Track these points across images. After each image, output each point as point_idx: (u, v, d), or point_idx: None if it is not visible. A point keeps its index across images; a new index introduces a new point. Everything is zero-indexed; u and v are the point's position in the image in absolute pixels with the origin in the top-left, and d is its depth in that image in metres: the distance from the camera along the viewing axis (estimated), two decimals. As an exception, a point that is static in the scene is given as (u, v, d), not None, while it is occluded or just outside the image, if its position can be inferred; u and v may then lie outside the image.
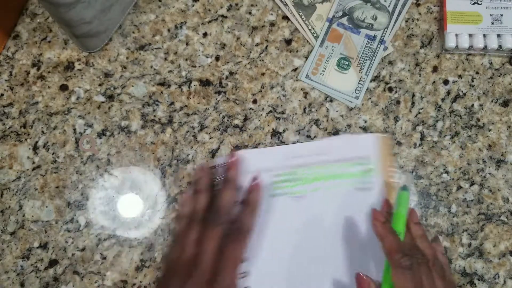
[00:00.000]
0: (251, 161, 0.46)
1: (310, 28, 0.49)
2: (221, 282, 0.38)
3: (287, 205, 0.45)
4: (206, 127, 0.48)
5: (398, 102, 0.49)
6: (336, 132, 0.48)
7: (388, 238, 0.39)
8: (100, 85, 0.49)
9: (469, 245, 0.46)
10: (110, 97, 0.49)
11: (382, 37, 0.49)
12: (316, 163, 0.46)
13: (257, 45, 0.50)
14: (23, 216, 0.46)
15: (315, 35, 0.49)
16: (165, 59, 0.49)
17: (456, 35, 0.49)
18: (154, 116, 0.48)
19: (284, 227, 0.44)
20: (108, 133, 0.48)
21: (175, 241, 0.42)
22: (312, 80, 0.48)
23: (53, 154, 0.47)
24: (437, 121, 0.48)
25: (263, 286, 0.43)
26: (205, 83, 0.49)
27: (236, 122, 0.48)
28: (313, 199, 0.45)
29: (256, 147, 0.48)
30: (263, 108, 0.49)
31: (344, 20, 0.50)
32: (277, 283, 0.43)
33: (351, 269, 0.43)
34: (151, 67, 0.49)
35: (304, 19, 0.49)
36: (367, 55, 0.49)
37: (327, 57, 0.49)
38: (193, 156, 0.47)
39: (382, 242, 0.40)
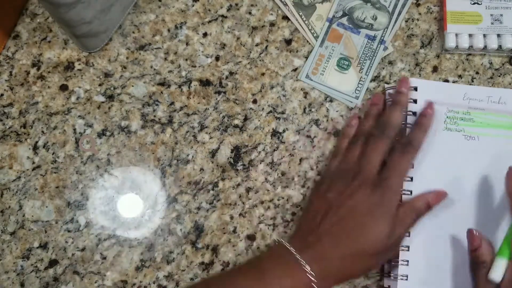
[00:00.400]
0: (427, 91, 0.47)
1: (310, 28, 0.49)
2: (386, 187, 0.39)
3: (458, 142, 0.46)
4: (206, 127, 0.48)
5: (398, 102, 0.49)
6: (336, 132, 0.48)
7: None
8: (100, 85, 0.49)
9: None
10: (110, 97, 0.49)
11: (382, 37, 0.49)
12: (493, 110, 0.47)
13: (257, 45, 0.50)
14: (23, 216, 0.46)
15: (315, 35, 0.49)
16: (165, 59, 0.49)
17: (456, 35, 0.49)
18: (154, 116, 0.48)
19: (450, 161, 0.45)
20: (108, 133, 0.48)
21: (336, 155, 0.44)
22: (312, 80, 0.48)
23: (53, 154, 0.47)
24: (437, 121, 0.48)
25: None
26: (205, 83, 0.49)
27: (236, 122, 0.48)
28: (483, 144, 0.46)
29: (256, 147, 0.48)
30: (263, 108, 0.49)
31: (344, 20, 0.50)
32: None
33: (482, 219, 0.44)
34: (151, 67, 0.49)
35: (304, 19, 0.49)
36: (367, 55, 0.49)
37: (327, 57, 0.49)
38: (193, 156, 0.47)
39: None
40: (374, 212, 0.39)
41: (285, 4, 0.50)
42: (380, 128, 0.43)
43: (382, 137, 0.42)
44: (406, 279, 0.42)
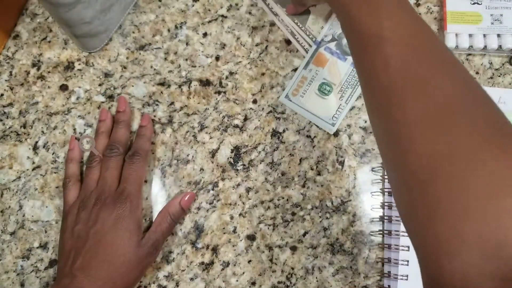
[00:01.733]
0: None
1: (308, 33, 0.48)
2: (125, 198, 0.41)
3: None
4: (206, 127, 0.48)
5: (398, 102, 0.49)
6: (336, 132, 0.48)
7: None
8: (100, 85, 0.49)
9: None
10: (110, 97, 0.49)
11: None
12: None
13: (257, 45, 0.50)
14: (23, 216, 0.46)
15: (314, 39, 0.49)
16: (165, 59, 0.49)
17: (456, 35, 0.49)
18: (154, 116, 0.48)
19: None
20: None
21: (67, 185, 0.44)
22: (291, 101, 0.48)
23: (53, 154, 0.47)
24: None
25: None
26: (205, 83, 0.49)
27: (236, 122, 0.48)
28: None
29: (256, 147, 0.48)
30: (263, 108, 0.49)
31: (332, 45, 0.48)
32: None
33: None
34: (151, 67, 0.49)
35: (300, 25, 0.48)
36: (350, 83, 0.48)
37: (309, 80, 0.48)
38: (193, 156, 0.47)
39: None
40: (118, 226, 0.40)
41: (276, 14, 0.50)
42: (110, 147, 0.44)
43: (113, 155, 0.44)
44: (406, 279, 0.42)
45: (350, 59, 0.48)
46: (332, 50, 0.48)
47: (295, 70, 0.49)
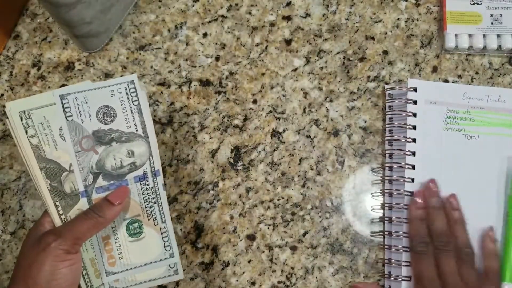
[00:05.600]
0: (427, 92, 0.47)
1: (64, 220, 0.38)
2: None
3: (459, 142, 0.46)
4: (206, 127, 0.48)
5: (397, 102, 0.49)
6: (336, 132, 0.48)
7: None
8: (100, 85, 0.49)
9: None
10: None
11: (153, 168, 0.39)
12: (493, 108, 0.47)
13: (257, 45, 0.50)
14: (24, 216, 0.46)
15: (78, 193, 0.38)
16: (165, 59, 0.50)
17: (456, 35, 0.49)
18: (154, 116, 0.48)
19: (451, 161, 0.46)
20: (108, 133, 0.48)
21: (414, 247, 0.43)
22: (116, 273, 0.39)
23: (53, 154, 0.47)
24: (436, 121, 0.48)
25: None
26: (205, 83, 0.49)
27: (236, 122, 0.48)
28: (484, 143, 0.46)
29: (256, 147, 0.48)
30: (263, 108, 0.49)
31: (101, 181, 0.38)
32: None
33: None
34: (151, 67, 0.49)
35: (61, 212, 0.38)
36: (150, 200, 0.39)
37: (113, 234, 0.39)
38: (193, 156, 0.47)
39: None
40: None
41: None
42: (440, 238, 0.42)
43: (447, 250, 0.41)
44: (409, 280, 0.42)
45: (130, 177, 0.39)
46: (106, 186, 0.38)
47: (295, 70, 0.49)
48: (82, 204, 0.38)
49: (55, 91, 0.37)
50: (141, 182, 0.39)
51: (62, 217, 0.38)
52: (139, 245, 0.39)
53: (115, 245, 0.39)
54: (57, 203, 0.38)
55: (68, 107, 0.37)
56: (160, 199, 0.39)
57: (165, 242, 0.40)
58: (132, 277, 0.40)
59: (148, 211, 0.39)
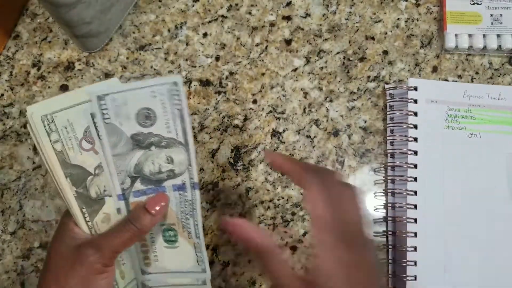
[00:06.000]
0: (427, 91, 0.47)
1: (93, 230, 0.36)
2: None
3: (460, 140, 0.46)
4: (206, 127, 0.48)
5: (398, 102, 0.49)
6: (336, 132, 0.48)
7: None
8: (100, 85, 0.49)
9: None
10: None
11: (192, 179, 0.36)
12: (493, 106, 0.47)
13: (257, 45, 0.50)
14: (24, 216, 0.46)
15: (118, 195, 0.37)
16: (165, 59, 0.50)
17: (456, 35, 0.49)
18: (154, 116, 0.48)
19: (453, 159, 0.46)
20: (108, 133, 0.48)
21: None
22: (150, 273, 0.39)
23: (53, 154, 0.47)
24: (437, 121, 0.48)
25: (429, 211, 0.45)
26: (205, 83, 0.49)
27: (236, 122, 0.48)
28: (485, 141, 0.46)
29: (256, 147, 0.48)
30: (263, 108, 0.49)
31: (139, 185, 0.37)
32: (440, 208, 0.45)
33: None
34: (151, 67, 0.49)
35: (88, 218, 0.36)
36: (186, 213, 0.37)
37: (150, 238, 0.38)
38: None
39: None
40: None
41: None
42: None
43: None
44: (415, 280, 0.42)
45: (168, 184, 0.37)
46: (145, 191, 0.37)
47: (295, 70, 0.49)
48: (114, 207, 0.37)
49: (90, 90, 0.34)
50: (180, 192, 0.37)
51: (89, 223, 0.36)
52: (174, 252, 0.38)
53: (152, 247, 0.38)
54: (84, 210, 0.36)
55: (106, 108, 0.34)
56: (197, 214, 0.37)
57: (198, 256, 0.38)
58: (163, 278, 0.39)
59: (183, 223, 0.37)
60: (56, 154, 0.35)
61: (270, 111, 0.49)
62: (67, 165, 0.36)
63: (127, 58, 0.49)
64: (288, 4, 0.51)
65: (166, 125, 0.35)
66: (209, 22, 0.51)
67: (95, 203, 0.36)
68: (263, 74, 0.49)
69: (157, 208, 0.36)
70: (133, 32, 0.50)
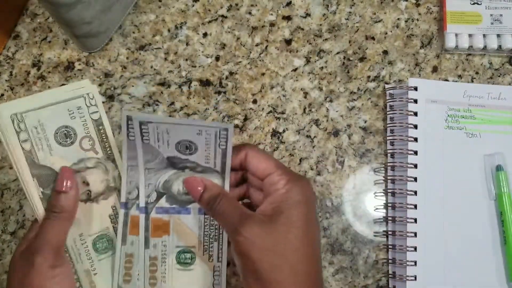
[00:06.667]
0: (427, 91, 0.47)
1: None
2: None
3: (460, 140, 0.46)
4: (206, 127, 0.48)
5: (398, 102, 0.49)
6: (336, 132, 0.48)
7: None
8: (100, 85, 0.49)
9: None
10: (110, 97, 0.49)
11: None
12: (493, 106, 0.47)
13: (257, 45, 0.50)
14: (23, 216, 0.46)
15: (137, 206, 0.36)
16: (165, 59, 0.50)
17: (456, 35, 0.49)
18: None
19: (453, 159, 0.46)
20: (108, 133, 0.48)
21: None
22: None
23: (53, 154, 0.47)
24: (437, 121, 0.48)
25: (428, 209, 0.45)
26: (205, 83, 0.49)
27: (236, 122, 0.48)
28: (485, 141, 0.46)
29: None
30: (263, 108, 0.49)
31: (163, 203, 0.36)
32: (439, 205, 0.45)
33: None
34: (151, 67, 0.49)
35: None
36: (211, 236, 0.36)
37: (161, 257, 0.37)
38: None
39: None
40: None
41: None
42: None
43: None
44: (415, 280, 0.42)
45: (194, 207, 0.37)
46: (168, 209, 0.36)
47: (295, 70, 0.49)
48: (122, 218, 0.36)
49: (133, 115, 0.33)
50: (206, 216, 0.36)
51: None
52: (186, 275, 0.37)
53: (161, 267, 0.37)
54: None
55: (147, 133, 0.34)
56: (223, 238, 0.36)
57: (215, 279, 0.37)
58: None
59: (206, 246, 0.37)
60: (24, 154, 0.35)
61: (270, 111, 0.48)
62: (36, 166, 0.35)
63: (127, 58, 0.49)
64: (288, 4, 0.51)
65: (205, 158, 0.35)
66: (209, 22, 0.51)
67: None
68: (263, 74, 0.49)
69: (67, 184, 0.35)
70: (133, 32, 0.50)
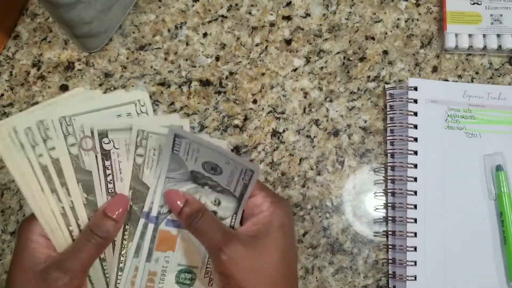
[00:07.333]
0: (427, 91, 0.47)
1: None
2: None
3: (460, 140, 0.46)
4: (206, 127, 0.48)
5: (398, 102, 0.49)
6: (336, 132, 0.48)
7: None
8: (100, 85, 0.49)
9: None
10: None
11: (232, 225, 0.36)
12: (493, 106, 0.47)
13: (257, 45, 0.50)
14: (23, 216, 0.46)
15: (145, 214, 0.35)
16: (165, 59, 0.50)
17: (456, 35, 0.49)
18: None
19: (453, 159, 0.46)
20: (108, 133, 0.48)
21: None
22: None
23: (53, 154, 0.47)
24: (437, 121, 0.48)
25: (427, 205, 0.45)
26: (205, 83, 0.49)
27: (236, 122, 0.48)
28: (485, 141, 0.46)
29: (256, 147, 0.48)
30: (263, 108, 0.49)
31: (175, 216, 0.35)
32: (438, 205, 0.45)
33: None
34: (151, 67, 0.49)
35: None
36: None
37: (161, 274, 0.35)
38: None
39: None
40: None
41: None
42: None
43: None
44: (415, 280, 0.42)
45: None
46: (177, 223, 0.36)
47: (295, 70, 0.49)
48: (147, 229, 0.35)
49: (172, 127, 0.33)
50: None
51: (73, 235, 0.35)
52: None
53: (158, 284, 0.35)
54: (86, 225, 0.34)
55: (179, 145, 0.34)
56: None
57: None
58: None
59: (208, 269, 0.36)
60: (70, 158, 0.34)
61: (270, 111, 0.48)
62: (81, 171, 0.35)
63: (127, 58, 0.49)
64: (288, 4, 0.51)
65: (227, 181, 0.35)
66: (209, 22, 0.51)
67: None
68: (263, 74, 0.49)
69: (118, 212, 0.34)
70: (133, 32, 0.50)
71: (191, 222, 0.34)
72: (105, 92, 0.38)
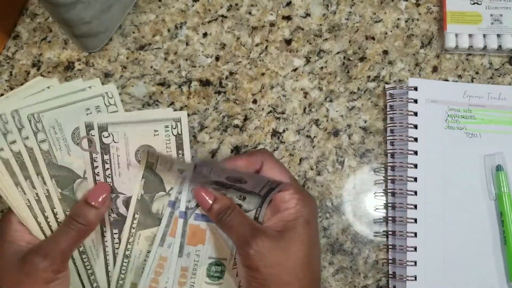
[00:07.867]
0: (427, 91, 0.47)
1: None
2: None
3: (460, 140, 0.46)
4: (206, 127, 0.48)
5: (398, 102, 0.49)
6: (336, 132, 0.48)
7: None
8: (100, 85, 0.49)
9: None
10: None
11: (257, 218, 0.37)
12: (494, 106, 0.47)
13: (257, 45, 0.50)
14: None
15: (177, 209, 0.36)
16: (165, 59, 0.50)
17: (456, 35, 0.49)
18: (154, 116, 0.48)
19: (453, 159, 0.46)
20: (108, 133, 0.48)
21: None
22: None
23: (53, 154, 0.47)
24: (437, 121, 0.48)
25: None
26: (205, 83, 0.49)
27: (236, 122, 0.48)
28: (485, 141, 0.46)
29: (255, 147, 0.48)
30: (263, 108, 0.49)
31: (205, 212, 0.37)
32: (439, 203, 0.45)
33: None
34: (151, 67, 0.49)
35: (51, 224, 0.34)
36: None
37: (192, 268, 0.36)
38: (193, 156, 0.47)
39: None
40: None
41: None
42: None
43: None
44: (415, 280, 0.42)
45: None
46: (207, 217, 0.37)
47: (295, 70, 0.49)
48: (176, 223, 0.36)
49: (197, 161, 0.34)
50: None
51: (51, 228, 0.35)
52: None
53: (190, 279, 0.36)
54: (68, 213, 0.35)
55: (201, 168, 0.35)
56: None
57: None
58: None
59: (236, 260, 0.36)
60: (42, 154, 0.35)
61: (270, 111, 0.48)
62: (54, 166, 0.35)
63: (127, 58, 0.49)
64: (288, 4, 0.51)
65: (252, 187, 0.36)
66: (209, 22, 0.51)
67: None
68: (263, 74, 0.49)
69: (100, 199, 0.34)
70: (133, 32, 0.50)
71: (221, 218, 0.35)
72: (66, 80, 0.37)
